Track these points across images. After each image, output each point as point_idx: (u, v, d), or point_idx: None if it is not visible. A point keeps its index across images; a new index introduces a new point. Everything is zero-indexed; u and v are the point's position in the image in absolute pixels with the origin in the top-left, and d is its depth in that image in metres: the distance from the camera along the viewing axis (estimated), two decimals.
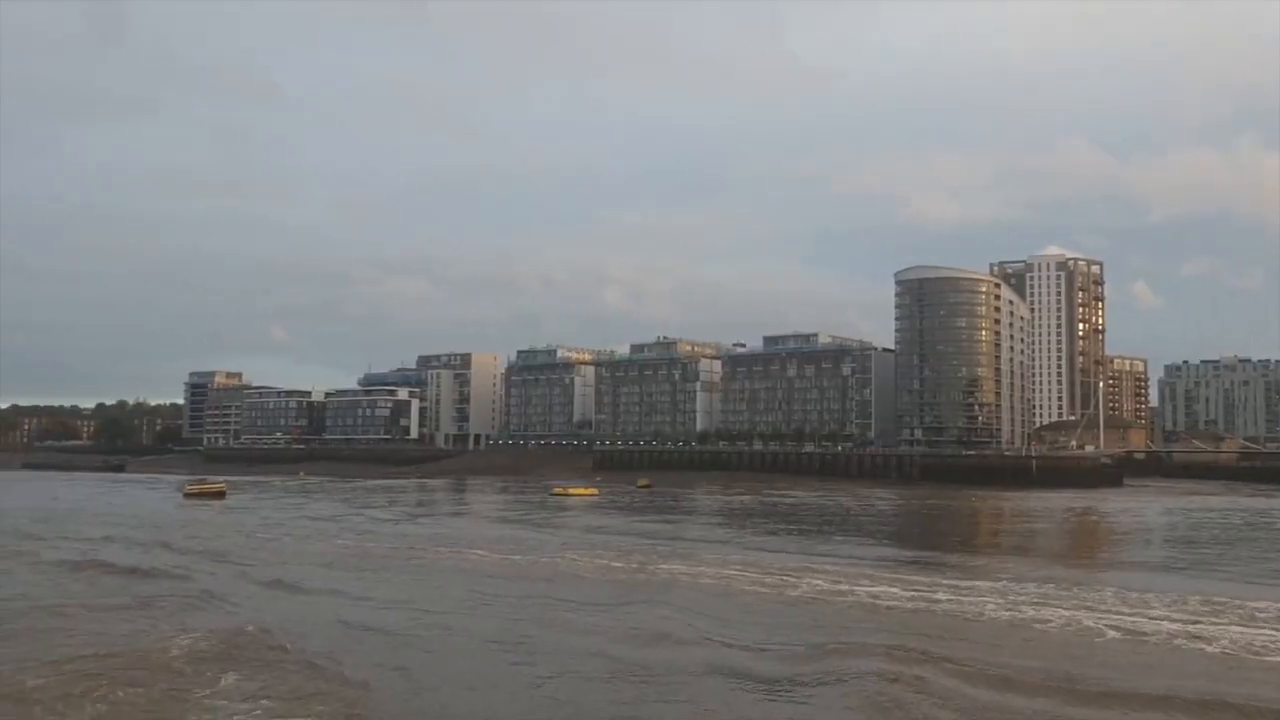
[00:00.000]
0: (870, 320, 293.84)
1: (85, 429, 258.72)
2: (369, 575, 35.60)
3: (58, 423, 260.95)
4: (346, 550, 44.30)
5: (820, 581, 32.79)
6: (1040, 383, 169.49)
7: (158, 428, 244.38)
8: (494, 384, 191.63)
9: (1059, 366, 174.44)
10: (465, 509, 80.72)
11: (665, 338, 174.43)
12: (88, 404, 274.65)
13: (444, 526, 59.77)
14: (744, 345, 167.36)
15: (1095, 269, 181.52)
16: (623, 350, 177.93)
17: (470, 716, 17.97)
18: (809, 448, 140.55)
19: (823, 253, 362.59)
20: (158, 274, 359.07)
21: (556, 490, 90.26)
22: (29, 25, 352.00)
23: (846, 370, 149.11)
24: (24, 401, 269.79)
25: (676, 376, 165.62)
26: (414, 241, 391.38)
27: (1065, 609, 27.95)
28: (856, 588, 31.60)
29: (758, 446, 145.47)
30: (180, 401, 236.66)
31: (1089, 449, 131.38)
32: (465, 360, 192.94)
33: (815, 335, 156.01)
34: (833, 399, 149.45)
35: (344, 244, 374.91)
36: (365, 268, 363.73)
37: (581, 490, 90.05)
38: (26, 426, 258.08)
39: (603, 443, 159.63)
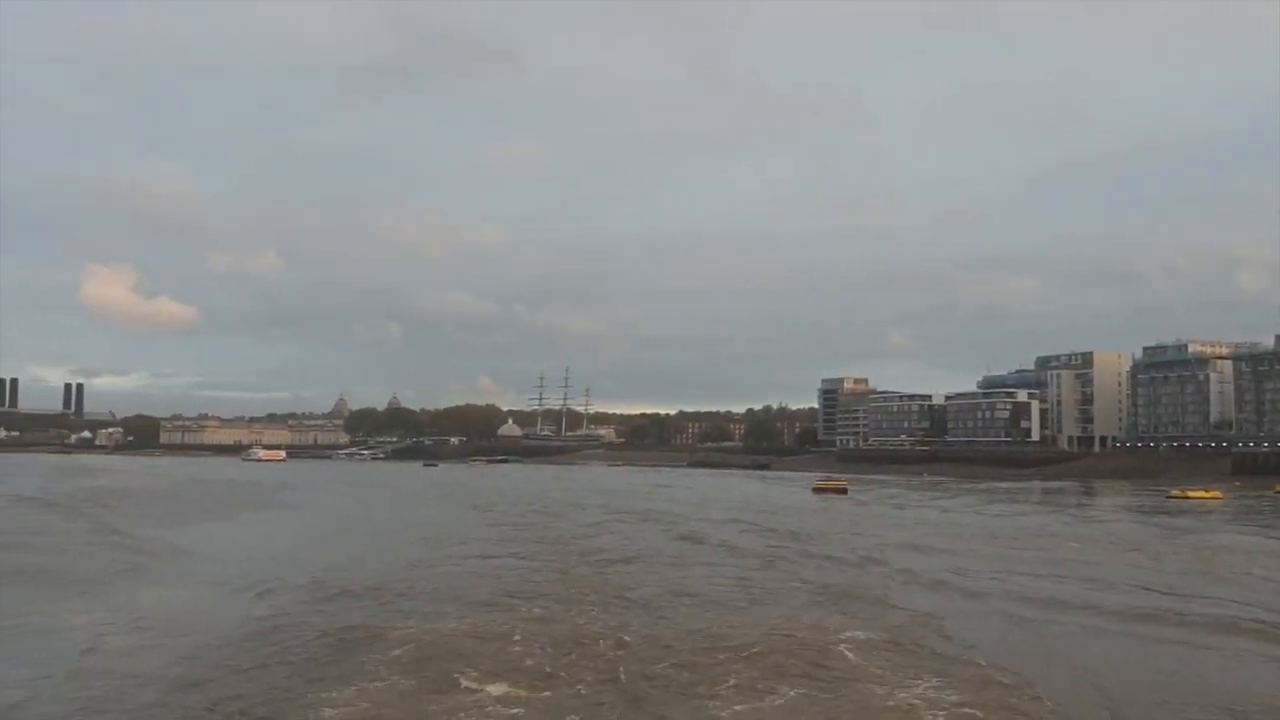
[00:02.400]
0: None
1: (737, 431, 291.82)
2: (1014, 572, 34.14)
3: (715, 426, 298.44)
4: (979, 545, 44.74)
5: None
6: None
7: (796, 430, 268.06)
8: (1118, 383, 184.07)
9: None
10: (1090, 511, 79.76)
11: None
12: (739, 409, 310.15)
13: (1075, 528, 58.51)
14: None
15: None
16: (1267, 342, 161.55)
17: None
18: None
19: None
20: (789, 288, 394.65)
21: (1174, 493, 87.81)
22: (640, 79, 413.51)
23: None
24: (688, 408, 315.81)
25: None
26: (1020, 240, 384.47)
27: None
28: None
29: None
30: (815, 406, 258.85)
31: None
32: (1086, 359, 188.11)
33: None
34: None
35: (951, 248, 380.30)
36: (973, 270, 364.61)
37: (1202, 493, 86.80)
38: (691, 430, 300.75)
39: (1245, 445, 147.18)
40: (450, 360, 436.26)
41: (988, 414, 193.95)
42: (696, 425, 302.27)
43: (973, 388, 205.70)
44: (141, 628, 24.04)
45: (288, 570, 33.65)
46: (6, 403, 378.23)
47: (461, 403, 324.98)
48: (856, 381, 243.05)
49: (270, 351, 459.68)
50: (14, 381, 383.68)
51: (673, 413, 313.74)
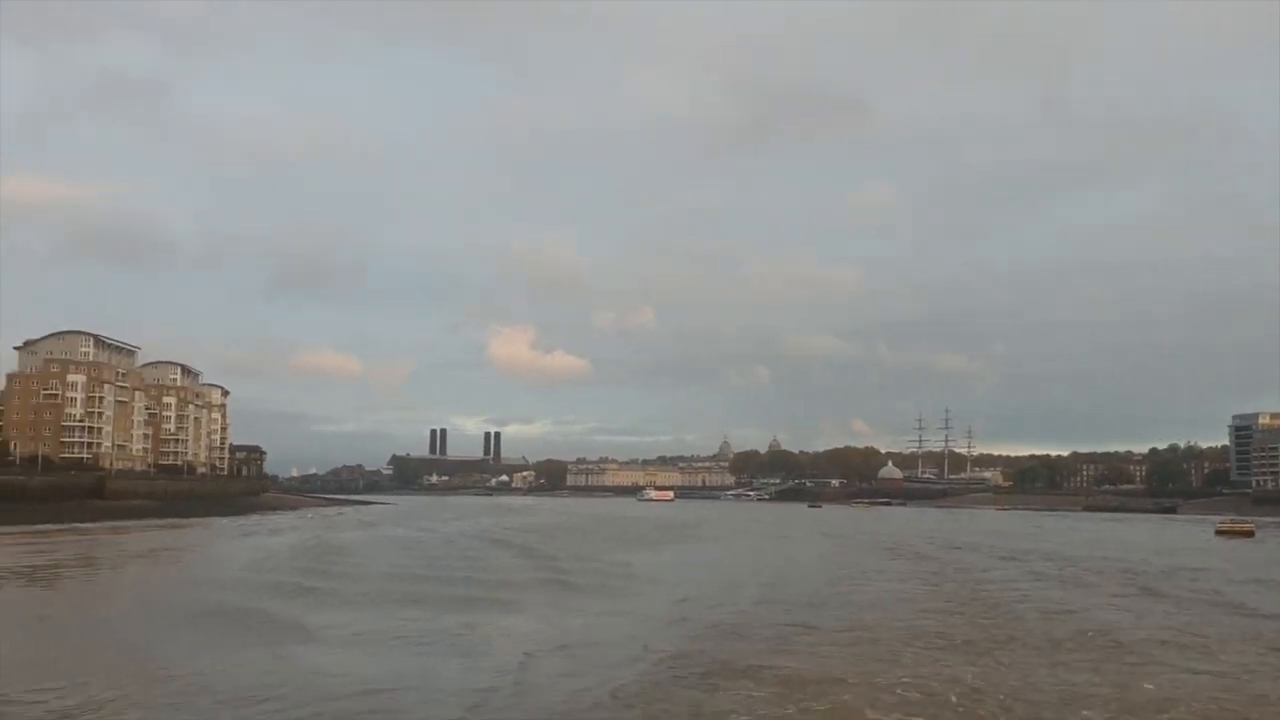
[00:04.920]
0: None
1: (1137, 473, 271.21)
2: None
3: (1112, 468, 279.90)
4: None
5: None
6: None
7: (1205, 470, 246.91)
8: None
9: None
10: None
11: None
12: (1140, 449, 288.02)
13: None
14: None
15: None
16: None
17: None
18: None
19: None
20: (1178, 316, 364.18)
21: None
22: (984, 114, 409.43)
23: None
24: (1082, 449, 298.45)
25: None
26: None
27: None
28: None
29: None
30: (1226, 443, 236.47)
31: None
32: None
33: None
34: None
35: None
36: None
37: None
38: (1084, 472, 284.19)
39: None
40: (820, 401, 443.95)
41: None
42: (1091, 467, 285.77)
43: None
44: (567, 646, 26.02)
45: (694, 602, 35.45)
46: (438, 451, 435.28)
47: (835, 444, 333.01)
48: (1274, 416, 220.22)
49: (653, 398, 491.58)
50: (443, 432, 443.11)
51: (1065, 454, 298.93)
